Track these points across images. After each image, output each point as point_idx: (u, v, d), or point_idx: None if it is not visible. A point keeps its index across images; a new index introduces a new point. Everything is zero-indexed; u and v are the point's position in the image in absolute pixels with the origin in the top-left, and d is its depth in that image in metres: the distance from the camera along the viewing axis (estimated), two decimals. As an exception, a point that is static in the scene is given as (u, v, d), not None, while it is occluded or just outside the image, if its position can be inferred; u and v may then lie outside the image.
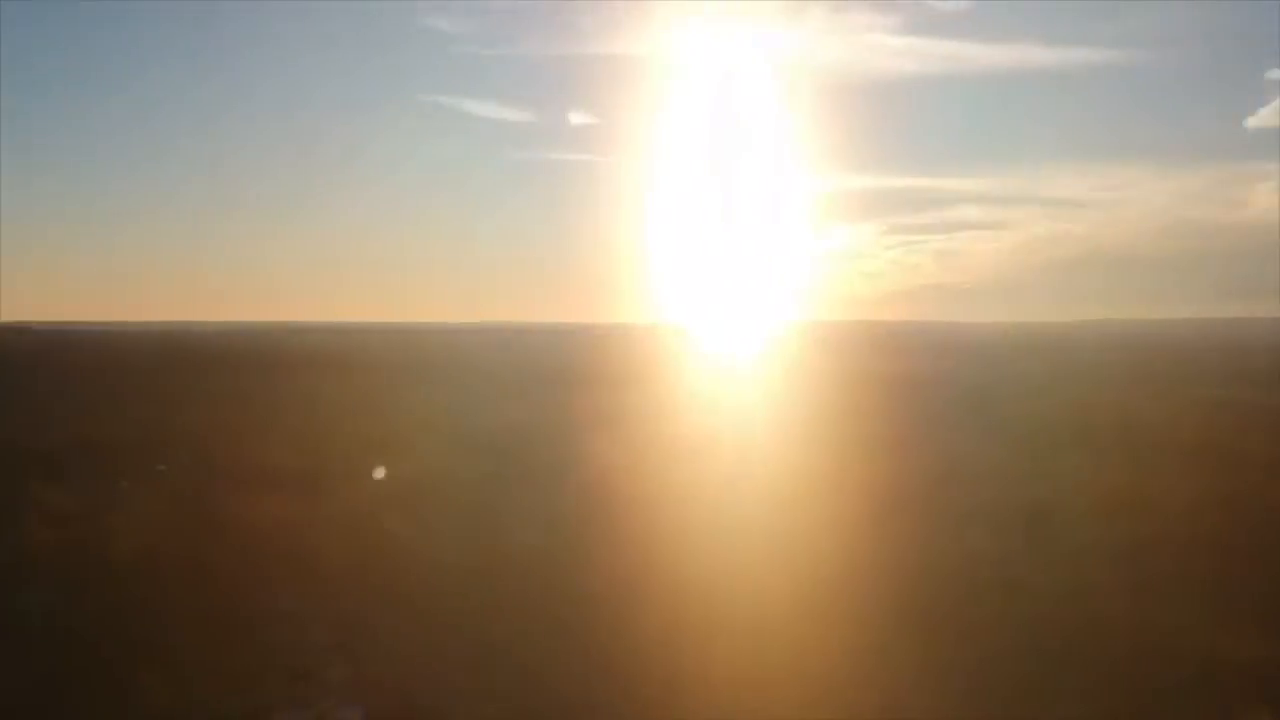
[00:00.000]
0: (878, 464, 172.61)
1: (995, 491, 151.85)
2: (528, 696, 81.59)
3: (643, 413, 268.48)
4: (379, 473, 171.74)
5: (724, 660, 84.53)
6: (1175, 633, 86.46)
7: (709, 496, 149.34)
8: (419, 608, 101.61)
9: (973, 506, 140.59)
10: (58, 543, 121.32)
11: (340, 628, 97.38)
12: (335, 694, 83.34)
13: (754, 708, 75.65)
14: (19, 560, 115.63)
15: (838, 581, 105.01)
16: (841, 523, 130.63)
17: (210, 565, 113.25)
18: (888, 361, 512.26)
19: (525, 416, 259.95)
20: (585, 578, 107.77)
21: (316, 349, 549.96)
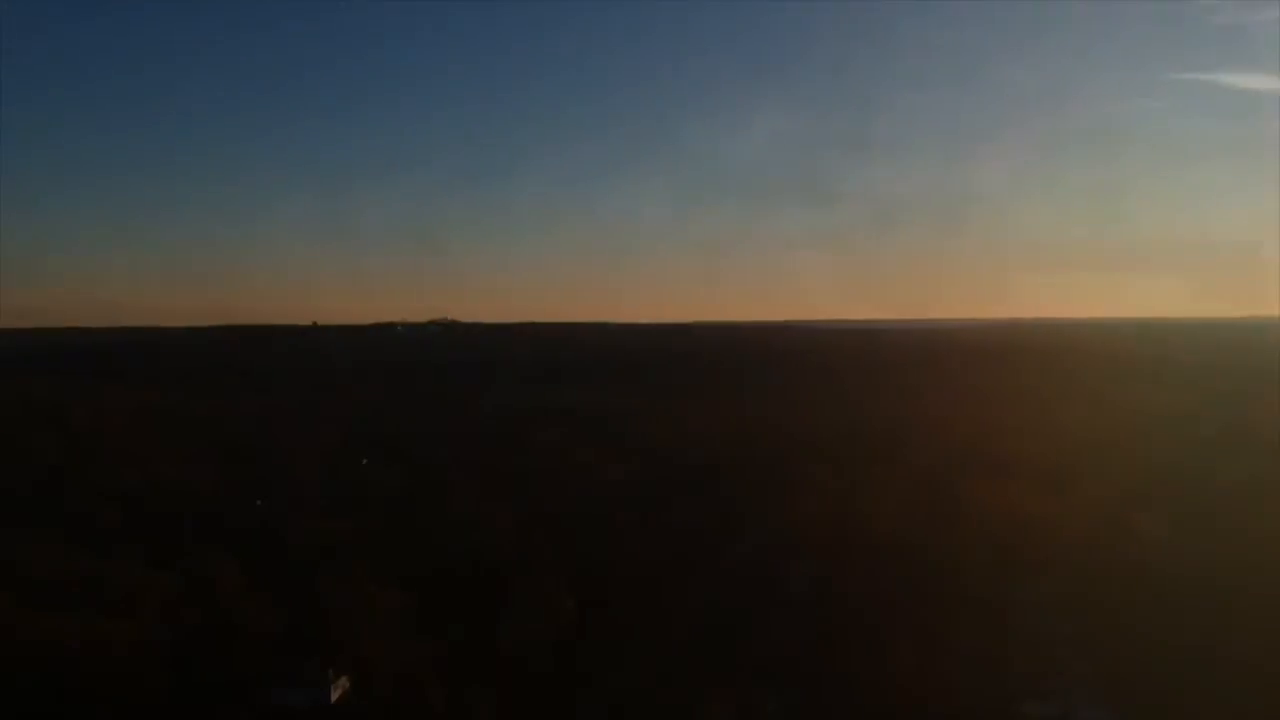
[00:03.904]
0: None
1: None
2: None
3: None
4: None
5: None
6: None
7: None
8: (1170, 610, 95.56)
9: None
10: (823, 517, 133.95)
11: (1087, 623, 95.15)
12: (1082, 690, 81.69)
13: None
14: (792, 530, 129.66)
15: None
16: None
17: (957, 549, 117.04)
18: None
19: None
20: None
21: (1038, 343, 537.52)
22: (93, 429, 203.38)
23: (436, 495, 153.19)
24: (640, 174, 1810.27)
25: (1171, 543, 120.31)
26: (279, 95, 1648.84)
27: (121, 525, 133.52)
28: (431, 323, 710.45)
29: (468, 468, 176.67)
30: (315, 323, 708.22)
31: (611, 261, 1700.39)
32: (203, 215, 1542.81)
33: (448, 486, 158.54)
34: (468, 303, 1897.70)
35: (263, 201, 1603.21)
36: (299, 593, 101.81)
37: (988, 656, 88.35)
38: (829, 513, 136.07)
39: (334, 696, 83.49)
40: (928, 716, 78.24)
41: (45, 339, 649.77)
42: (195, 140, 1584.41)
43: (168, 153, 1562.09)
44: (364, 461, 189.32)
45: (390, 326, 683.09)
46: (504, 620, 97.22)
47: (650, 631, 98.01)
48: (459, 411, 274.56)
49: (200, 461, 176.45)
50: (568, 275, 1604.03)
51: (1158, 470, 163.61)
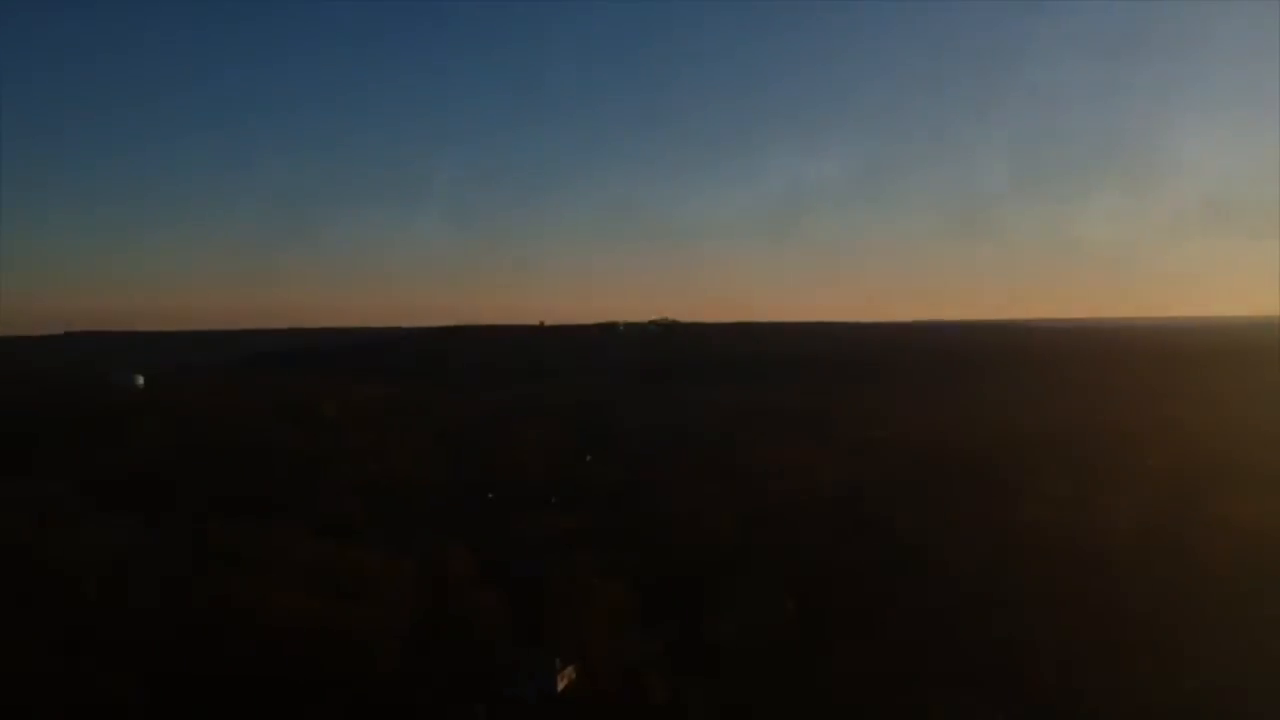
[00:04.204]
0: None
1: None
2: None
3: None
4: None
5: None
6: None
7: None
8: None
9: None
10: (1051, 520, 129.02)
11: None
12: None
13: None
14: (1019, 533, 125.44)
15: None
16: None
17: (1197, 558, 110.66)
18: None
19: None
20: None
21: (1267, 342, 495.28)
22: (339, 423, 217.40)
23: (657, 492, 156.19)
24: (859, 173, 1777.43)
25: None
26: (530, 100, 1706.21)
27: (364, 515, 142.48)
28: (651, 322, 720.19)
29: (687, 465, 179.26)
30: (542, 322, 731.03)
31: (828, 261, 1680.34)
32: (441, 219, 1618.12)
33: (668, 484, 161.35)
34: (689, 303, 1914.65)
35: (499, 206, 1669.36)
36: (526, 584, 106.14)
37: (1233, 676, 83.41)
38: (1058, 516, 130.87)
39: (559, 686, 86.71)
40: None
41: (295, 339, 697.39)
42: (450, 150, 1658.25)
43: (405, 163, 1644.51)
44: (587, 458, 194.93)
45: (612, 326, 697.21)
46: (723, 617, 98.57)
47: (869, 633, 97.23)
48: (679, 409, 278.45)
49: (435, 455, 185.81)
50: (786, 275, 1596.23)
51: None
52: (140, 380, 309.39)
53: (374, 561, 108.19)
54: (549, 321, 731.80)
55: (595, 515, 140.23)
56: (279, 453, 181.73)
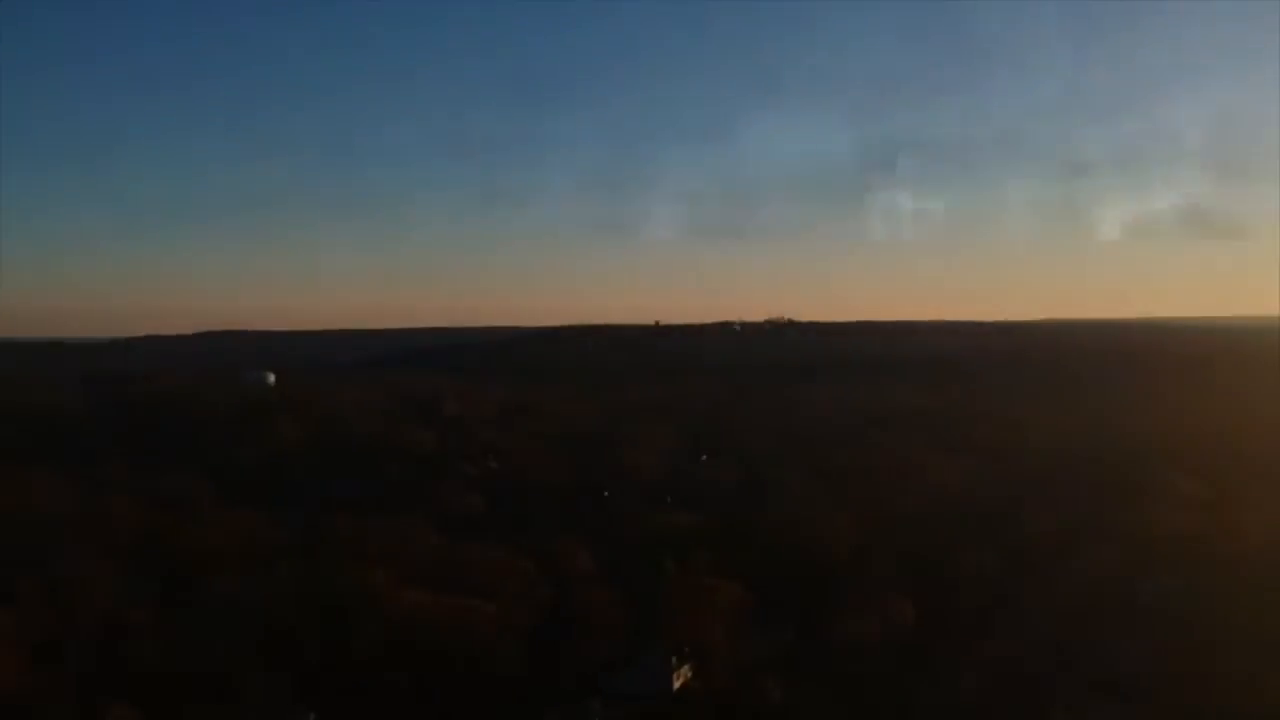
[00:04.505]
0: None
1: None
2: None
3: None
4: None
5: None
6: None
7: None
8: None
9: None
10: (1184, 527, 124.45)
11: None
12: None
13: None
14: (1148, 540, 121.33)
15: None
16: None
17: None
18: None
19: None
20: None
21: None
22: (460, 422, 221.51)
23: (773, 493, 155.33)
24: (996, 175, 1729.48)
25: None
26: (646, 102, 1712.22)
27: (485, 512, 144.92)
28: (767, 321, 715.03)
29: (804, 466, 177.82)
30: (658, 322, 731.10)
31: (946, 259, 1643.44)
32: (556, 222, 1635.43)
33: (784, 484, 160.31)
34: (806, 302, 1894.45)
35: (615, 207, 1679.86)
36: (642, 582, 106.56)
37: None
38: (1191, 523, 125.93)
39: (675, 685, 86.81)
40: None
41: (417, 339, 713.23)
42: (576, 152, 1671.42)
43: (531, 170, 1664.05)
44: (703, 458, 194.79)
45: (728, 325, 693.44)
46: (840, 619, 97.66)
47: (989, 638, 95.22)
48: (794, 410, 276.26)
49: (553, 454, 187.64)
50: (903, 274, 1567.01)
51: None
52: (271, 378, 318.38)
53: (494, 558, 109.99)
54: (664, 321, 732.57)
55: (712, 515, 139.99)
56: (403, 450, 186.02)
